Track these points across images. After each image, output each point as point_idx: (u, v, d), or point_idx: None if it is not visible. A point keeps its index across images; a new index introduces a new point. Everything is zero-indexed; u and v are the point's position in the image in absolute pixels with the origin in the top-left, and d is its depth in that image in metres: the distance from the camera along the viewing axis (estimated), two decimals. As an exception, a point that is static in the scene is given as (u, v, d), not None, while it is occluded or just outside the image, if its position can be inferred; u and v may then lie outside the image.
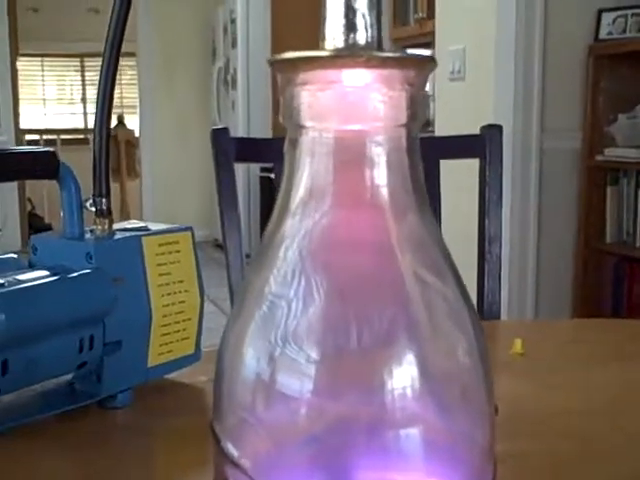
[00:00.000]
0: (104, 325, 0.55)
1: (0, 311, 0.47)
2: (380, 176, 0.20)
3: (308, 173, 0.21)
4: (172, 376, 0.62)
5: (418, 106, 0.20)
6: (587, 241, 2.29)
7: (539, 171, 2.26)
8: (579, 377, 0.66)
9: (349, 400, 0.21)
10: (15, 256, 0.59)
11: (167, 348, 0.60)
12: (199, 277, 0.62)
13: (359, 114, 0.20)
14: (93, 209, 0.57)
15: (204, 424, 0.56)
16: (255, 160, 1.23)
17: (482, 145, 1.15)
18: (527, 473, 0.49)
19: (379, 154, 0.20)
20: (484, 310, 1.00)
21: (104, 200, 0.57)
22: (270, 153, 1.12)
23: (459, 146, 1.19)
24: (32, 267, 0.57)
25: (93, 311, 0.54)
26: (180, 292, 0.60)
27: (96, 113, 0.56)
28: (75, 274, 0.53)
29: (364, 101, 0.20)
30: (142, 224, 0.61)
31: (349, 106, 0.20)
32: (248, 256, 4.38)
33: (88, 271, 0.53)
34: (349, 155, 0.20)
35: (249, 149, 1.14)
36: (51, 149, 0.56)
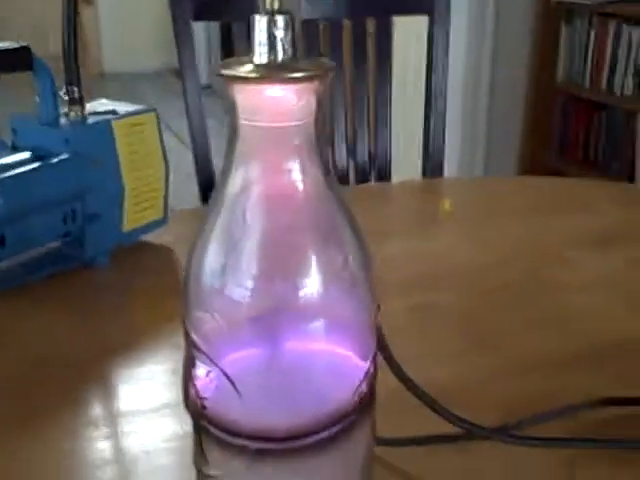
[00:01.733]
0: (84, 200, 0.64)
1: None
2: (295, 153, 0.29)
3: (242, 150, 0.29)
4: (144, 238, 0.72)
5: (322, 104, 0.28)
6: (538, 81, 2.36)
7: (495, 13, 2.29)
8: (498, 232, 0.77)
9: (277, 298, 0.31)
10: (-2, 137, 0.66)
11: (139, 215, 0.69)
12: (163, 152, 0.70)
13: (278, 114, 0.28)
14: (66, 97, 0.64)
15: (173, 282, 0.66)
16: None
17: (430, 1, 1.20)
18: (436, 322, 0.60)
19: (293, 140, 0.29)
20: (428, 166, 1.09)
21: (76, 89, 0.64)
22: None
23: (409, 2, 1.23)
24: (15, 148, 0.65)
25: (74, 190, 0.63)
26: (147, 167, 0.69)
27: (63, 5, 0.61)
28: (58, 159, 0.61)
29: (282, 106, 0.28)
30: (110, 106, 0.68)
31: (270, 108, 0.28)
32: (208, 87, 4.34)
33: (68, 156, 0.61)
34: (272, 141, 0.29)
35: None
36: (25, 44, 0.62)
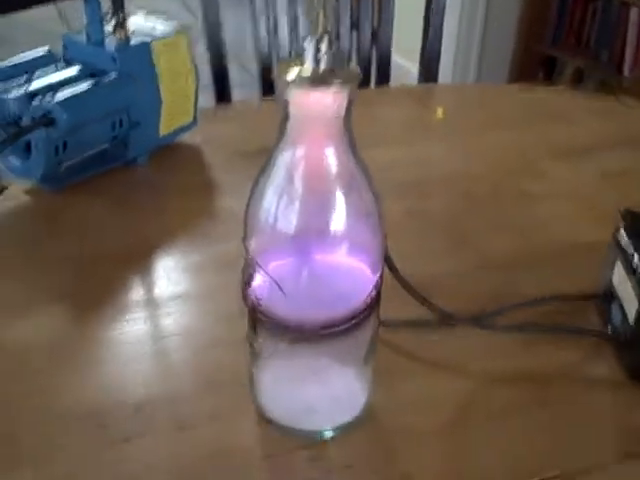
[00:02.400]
0: (128, 111, 0.74)
1: (63, 113, 0.66)
2: (330, 135, 0.40)
3: (292, 130, 0.40)
4: (177, 140, 0.83)
5: (352, 102, 0.39)
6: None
7: None
8: (484, 142, 0.88)
9: (312, 226, 0.43)
10: (50, 50, 0.75)
11: (173, 121, 0.80)
12: (194, 67, 0.80)
13: (319, 109, 0.39)
14: (113, 21, 0.73)
15: (203, 180, 0.78)
16: None
17: None
18: (424, 224, 0.72)
19: (329, 127, 0.40)
20: (424, 69, 1.18)
21: (120, 13, 0.72)
22: None
23: None
24: (67, 62, 0.74)
25: (121, 103, 0.73)
26: (180, 81, 0.79)
27: None
28: (108, 79, 0.71)
29: (322, 104, 0.39)
30: (147, 27, 0.77)
31: (313, 105, 0.39)
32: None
33: (116, 75, 0.71)
34: (313, 126, 0.40)
35: None
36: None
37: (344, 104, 0.39)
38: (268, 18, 1.24)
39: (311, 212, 0.42)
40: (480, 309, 0.58)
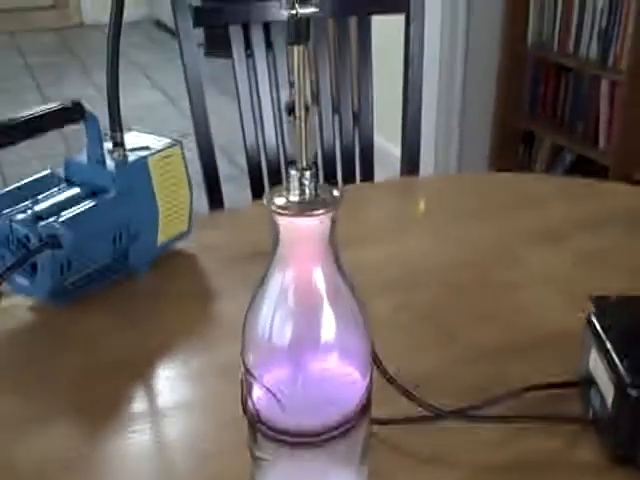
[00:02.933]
0: (128, 225, 0.79)
1: (69, 232, 0.70)
2: (317, 253, 0.45)
3: (283, 253, 0.45)
4: (173, 247, 0.87)
5: (335, 221, 0.44)
6: (510, 47, 2.49)
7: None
8: (463, 232, 0.93)
9: (306, 343, 0.47)
10: (52, 172, 0.80)
11: (169, 230, 0.85)
12: (188, 177, 0.85)
13: (306, 231, 0.44)
14: (111, 141, 0.78)
15: (199, 287, 0.82)
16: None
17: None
18: (410, 318, 0.76)
19: (316, 245, 0.44)
20: (405, 158, 1.25)
21: (118, 134, 0.78)
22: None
23: (386, 2, 1.37)
24: (68, 180, 0.79)
25: (122, 219, 0.77)
26: (176, 191, 0.84)
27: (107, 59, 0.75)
28: (109, 197, 0.75)
29: (309, 226, 0.44)
30: (142, 142, 0.82)
31: (301, 228, 0.44)
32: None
33: (116, 193, 0.76)
34: (302, 246, 0.45)
35: None
36: (78, 100, 0.76)
37: (329, 225, 0.44)
38: (253, 108, 1.30)
39: (303, 325, 0.47)
40: (467, 401, 0.61)
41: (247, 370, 0.48)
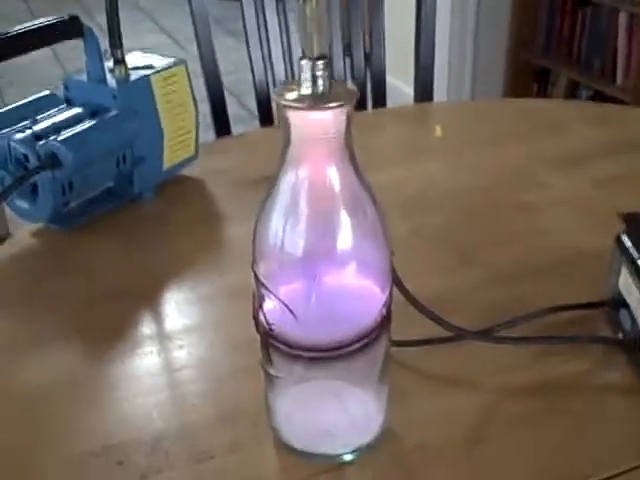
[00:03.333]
0: (132, 146, 0.75)
1: (68, 152, 0.67)
2: (331, 154, 0.41)
3: (294, 153, 0.41)
4: (180, 173, 0.84)
5: (351, 119, 0.40)
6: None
7: None
8: (481, 157, 0.89)
9: (321, 252, 0.44)
10: (52, 93, 0.77)
11: (175, 155, 0.81)
12: (194, 99, 0.81)
13: (319, 129, 0.40)
14: (112, 59, 0.74)
15: (208, 211, 0.79)
16: None
17: None
18: (429, 240, 0.73)
19: (330, 145, 0.40)
20: (419, 88, 1.19)
21: (119, 50, 0.74)
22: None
23: None
24: (68, 101, 0.75)
25: (124, 139, 0.74)
26: (181, 113, 0.80)
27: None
28: (110, 115, 0.72)
29: (322, 124, 0.40)
30: (145, 60, 0.78)
31: (314, 125, 0.40)
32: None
33: (118, 111, 0.72)
34: (315, 147, 0.41)
35: None
36: (75, 15, 0.71)
37: (344, 122, 0.40)
38: (262, 48, 1.25)
39: (317, 233, 0.43)
40: (488, 324, 0.58)
41: (258, 281, 0.45)
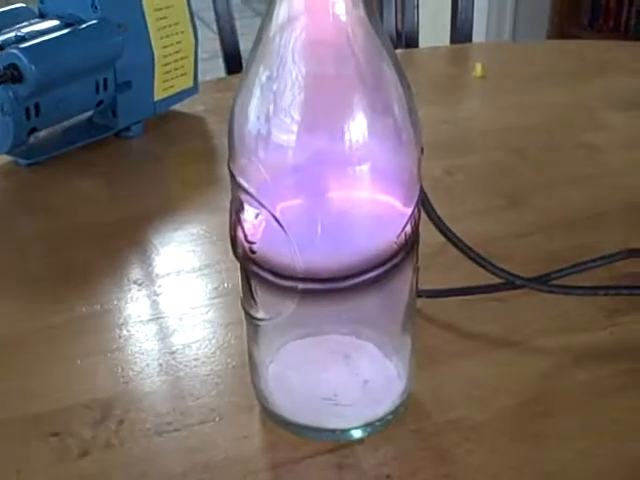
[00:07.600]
0: (114, 68, 0.63)
1: (30, 62, 0.55)
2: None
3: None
4: (175, 107, 0.72)
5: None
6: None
7: None
8: (529, 96, 0.76)
9: (321, 143, 0.31)
10: (25, 5, 0.65)
11: (169, 84, 0.69)
12: (192, 19, 0.69)
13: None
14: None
15: (206, 148, 0.67)
16: None
17: None
18: (468, 184, 0.60)
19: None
20: (457, 28, 1.06)
21: (101, -48, 0.62)
22: None
23: None
24: (43, 16, 0.64)
25: (104, 56, 0.62)
26: (176, 34, 0.68)
27: None
28: (86, 24, 0.60)
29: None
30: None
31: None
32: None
33: (96, 21, 0.60)
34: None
35: None
36: None
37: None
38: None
39: (317, 114, 0.31)
40: (543, 270, 0.45)
41: (235, 182, 0.32)
